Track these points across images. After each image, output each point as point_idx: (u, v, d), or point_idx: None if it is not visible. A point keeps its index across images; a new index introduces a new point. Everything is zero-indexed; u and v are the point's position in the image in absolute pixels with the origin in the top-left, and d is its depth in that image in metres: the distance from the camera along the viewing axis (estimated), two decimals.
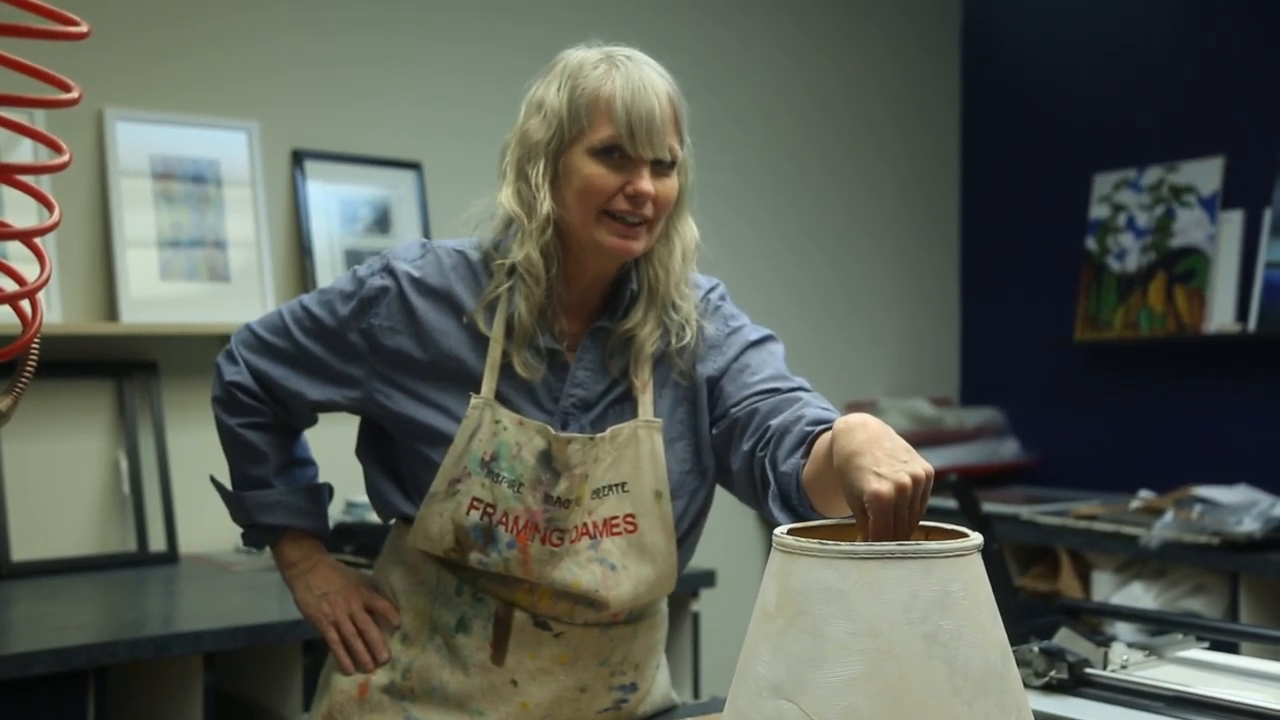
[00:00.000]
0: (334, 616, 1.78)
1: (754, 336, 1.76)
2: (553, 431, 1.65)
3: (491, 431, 1.65)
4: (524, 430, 1.65)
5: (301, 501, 1.83)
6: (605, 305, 1.72)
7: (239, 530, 1.86)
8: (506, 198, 1.68)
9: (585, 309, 1.72)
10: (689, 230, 1.73)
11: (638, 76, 1.62)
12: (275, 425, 1.81)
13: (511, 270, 1.67)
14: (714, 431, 1.72)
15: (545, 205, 1.63)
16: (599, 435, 1.66)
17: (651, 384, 1.71)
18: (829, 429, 1.52)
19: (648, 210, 1.63)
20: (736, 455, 1.67)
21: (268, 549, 1.89)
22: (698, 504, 1.75)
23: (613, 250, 1.63)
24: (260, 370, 1.76)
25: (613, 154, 1.61)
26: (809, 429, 1.55)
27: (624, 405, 1.70)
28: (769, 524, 1.68)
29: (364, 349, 1.70)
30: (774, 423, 1.61)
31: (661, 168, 1.63)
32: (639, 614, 1.77)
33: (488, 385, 1.66)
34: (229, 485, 1.85)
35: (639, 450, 1.68)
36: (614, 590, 1.68)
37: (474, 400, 1.66)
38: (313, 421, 1.84)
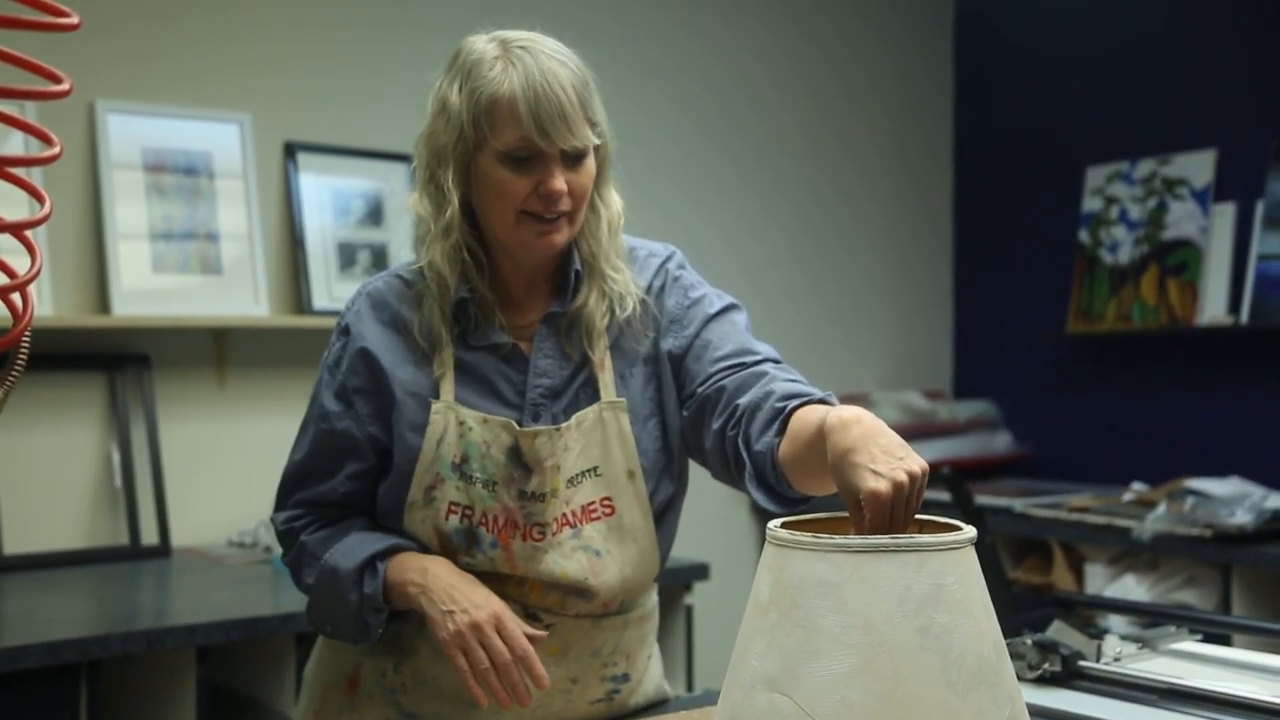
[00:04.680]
0: (462, 641, 1.57)
1: (714, 309, 1.74)
2: (517, 426, 1.65)
3: (458, 433, 1.65)
4: (489, 428, 1.65)
5: (381, 536, 1.69)
6: (555, 291, 1.72)
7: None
8: (414, 201, 1.69)
9: (536, 298, 1.72)
10: (614, 201, 1.72)
11: (537, 70, 1.59)
12: (340, 523, 1.73)
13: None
14: (684, 412, 1.71)
15: (451, 210, 1.64)
16: (564, 425, 1.66)
17: (610, 361, 1.70)
18: (802, 404, 1.53)
19: (564, 205, 1.62)
20: (708, 434, 1.66)
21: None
22: (670, 481, 1.75)
23: (535, 247, 1.64)
24: (301, 498, 1.73)
25: (520, 156, 1.60)
26: (780, 405, 1.55)
27: (592, 387, 1.70)
28: (762, 516, 1.67)
29: (346, 406, 1.70)
30: (742, 401, 1.60)
31: (574, 158, 1.62)
32: (629, 604, 1.77)
33: (446, 390, 1.66)
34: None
35: (606, 433, 1.68)
36: (602, 577, 1.68)
37: (435, 406, 1.66)
38: (365, 495, 1.73)
